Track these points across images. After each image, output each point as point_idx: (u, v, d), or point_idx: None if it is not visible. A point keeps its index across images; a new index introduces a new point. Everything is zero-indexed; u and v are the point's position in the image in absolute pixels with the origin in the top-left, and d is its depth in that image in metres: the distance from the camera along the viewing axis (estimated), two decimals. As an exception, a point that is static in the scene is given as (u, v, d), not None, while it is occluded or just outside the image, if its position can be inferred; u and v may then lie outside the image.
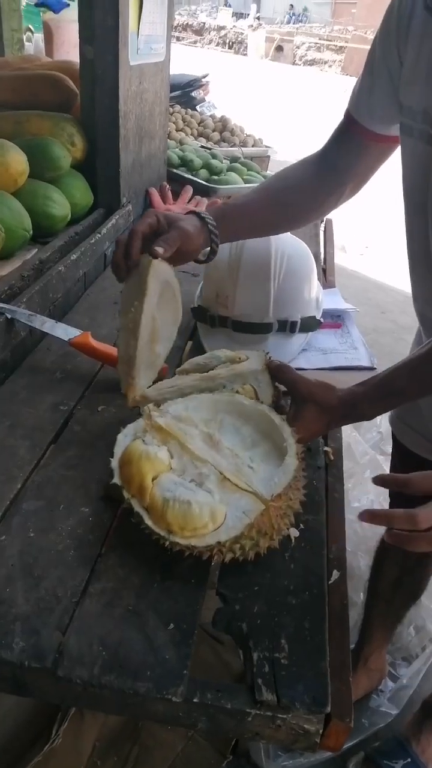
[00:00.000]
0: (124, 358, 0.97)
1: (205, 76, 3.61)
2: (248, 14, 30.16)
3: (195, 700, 0.63)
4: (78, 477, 0.90)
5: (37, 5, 3.21)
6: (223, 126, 2.84)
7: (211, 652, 1.34)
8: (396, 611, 1.54)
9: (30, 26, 4.13)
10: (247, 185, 2.26)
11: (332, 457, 1.00)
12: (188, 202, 2.03)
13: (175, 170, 2.22)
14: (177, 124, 2.74)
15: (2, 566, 0.74)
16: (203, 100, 3.40)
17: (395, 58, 0.91)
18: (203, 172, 2.23)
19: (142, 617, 0.70)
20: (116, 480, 0.78)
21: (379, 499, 1.87)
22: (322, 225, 2.11)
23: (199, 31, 26.43)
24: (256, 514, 0.72)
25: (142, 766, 1.23)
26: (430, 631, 1.73)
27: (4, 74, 1.84)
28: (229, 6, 32.84)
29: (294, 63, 22.65)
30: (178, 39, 23.15)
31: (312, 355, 1.25)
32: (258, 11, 31.97)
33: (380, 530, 1.53)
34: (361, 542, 1.80)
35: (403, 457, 1.29)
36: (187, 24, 26.94)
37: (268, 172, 2.49)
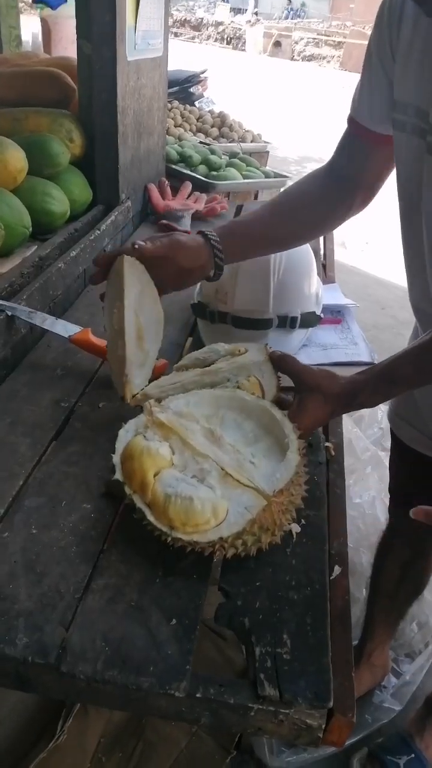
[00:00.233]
0: (115, 360, 0.98)
1: (203, 72, 3.60)
2: (246, 10, 30.09)
3: (198, 696, 0.63)
4: (79, 473, 0.90)
5: (35, 1, 3.20)
6: (221, 121, 2.84)
7: (214, 648, 1.35)
8: (398, 607, 1.54)
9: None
10: (246, 180, 2.26)
11: (333, 453, 1.00)
12: (187, 198, 2.03)
13: (173, 166, 2.21)
14: (175, 119, 2.73)
15: (5, 563, 0.74)
16: (202, 96, 3.39)
17: (388, 54, 0.91)
18: (202, 168, 2.22)
19: (145, 613, 0.70)
20: (118, 476, 0.78)
21: (381, 495, 1.87)
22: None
23: (197, 26, 26.35)
24: (258, 509, 0.72)
25: (147, 762, 1.24)
26: (432, 626, 1.73)
27: (2, 71, 1.83)
28: (227, 1, 32.72)
29: (292, 58, 22.58)
30: (175, 35, 23.10)
31: (312, 351, 1.24)
32: (256, 7, 31.89)
33: (381, 526, 1.54)
34: (364, 538, 1.80)
35: (401, 452, 1.29)
36: (185, 19, 26.86)
37: (267, 167, 2.48)
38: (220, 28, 25.41)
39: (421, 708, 1.54)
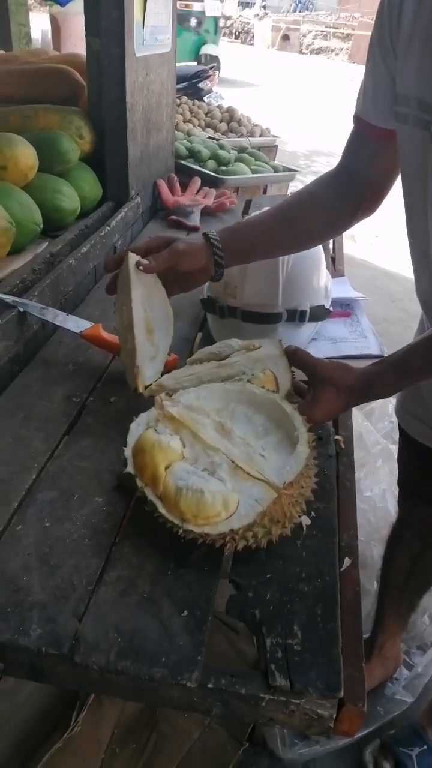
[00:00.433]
0: (127, 355, 1.00)
1: (211, 67, 3.59)
2: (254, 3, 29.90)
3: (209, 686, 0.64)
4: (91, 467, 0.91)
5: (43, -1, 3.21)
6: (230, 116, 2.83)
7: (226, 640, 1.35)
8: (409, 599, 1.54)
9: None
10: (255, 175, 2.26)
11: (343, 446, 1.00)
12: (196, 194, 2.03)
13: (182, 162, 2.21)
14: (184, 115, 2.73)
15: (19, 555, 0.75)
16: (210, 91, 3.39)
17: (389, 48, 0.91)
18: (211, 163, 2.22)
19: (157, 604, 0.71)
20: (129, 469, 0.78)
21: (391, 488, 1.87)
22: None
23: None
24: (269, 502, 0.73)
25: (160, 753, 1.25)
26: (444, 619, 1.73)
27: (12, 69, 1.84)
28: (235, -5, 32.52)
29: (301, 52, 22.44)
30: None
31: (321, 345, 1.24)
32: (264, 0, 31.69)
33: (392, 519, 1.54)
34: (374, 531, 1.80)
35: (409, 446, 1.29)
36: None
37: (276, 161, 2.48)
38: (229, 23, 25.27)
39: (433, 700, 1.54)
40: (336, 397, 0.88)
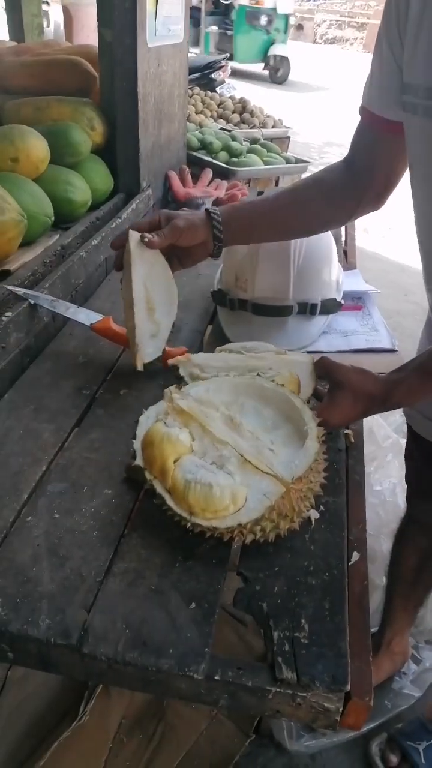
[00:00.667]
0: (128, 331, 1.02)
1: (224, 58, 3.57)
2: (268, -8, 29.59)
3: (216, 678, 0.64)
4: (101, 459, 0.91)
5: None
6: (242, 107, 2.82)
7: (234, 633, 1.36)
8: (417, 594, 1.54)
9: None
10: (267, 167, 2.24)
11: (353, 440, 1.00)
12: (208, 185, 2.02)
13: (194, 153, 2.21)
14: (196, 106, 2.72)
15: (29, 546, 0.76)
16: (222, 82, 3.37)
17: (396, 38, 0.90)
18: (223, 155, 2.21)
19: (165, 596, 0.71)
20: (139, 462, 0.79)
21: (401, 482, 1.86)
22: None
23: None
24: (277, 496, 0.73)
25: (167, 743, 1.26)
26: (453, 614, 1.73)
27: (24, 60, 1.84)
28: (249, -16, 32.21)
29: (315, 41, 22.21)
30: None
31: (332, 338, 1.24)
32: (278, -11, 31.34)
33: (402, 514, 1.54)
34: (384, 525, 1.79)
35: (417, 444, 1.29)
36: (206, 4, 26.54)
37: (288, 153, 2.46)
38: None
39: (440, 695, 1.54)
40: (353, 402, 0.87)
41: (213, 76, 3.43)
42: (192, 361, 0.96)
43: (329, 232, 1.25)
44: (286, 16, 11.40)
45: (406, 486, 1.49)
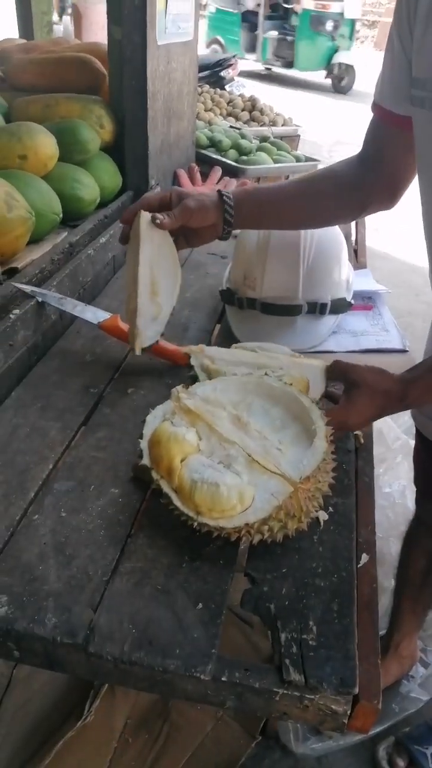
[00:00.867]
0: (129, 313, 1.00)
1: (234, 56, 3.56)
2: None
3: (223, 679, 0.64)
4: (108, 458, 0.90)
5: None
6: (252, 105, 2.81)
7: (241, 634, 1.35)
8: (426, 598, 1.53)
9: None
10: (277, 165, 2.23)
11: (362, 441, 0.99)
12: (217, 183, 2.01)
13: (203, 151, 2.20)
14: (206, 104, 2.71)
15: (35, 545, 0.76)
16: (232, 80, 3.36)
17: (407, 33, 0.89)
18: (232, 153, 2.20)
19: (171, 596, 0.70)
20: (145, 461, 0.78)
21: (411, 485, 1.85)
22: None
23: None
24: (285, 496, 0.72)
25: (172, 744, 1.26)
26: (461, 617, 1.71)
27: (33, 57, 1.84)
28: (259, -17, 32.15)
29: (325, 40, 22.11)
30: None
31: (342, 338, 1.23)
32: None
33: (411, 516, 1.52)
34: (393, 528, 1.78)
35: (425, 446, 1.28)
36: (217, 3, 26.51)
37: (298, 151, 2.45)
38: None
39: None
40: (370, 401, 0.86)
41: (222, 74, 3.43)
42: (204, 352, 0.96)
43: (339, 230, 1.24)
44: (353, 21, 10.69)
45: (414, 488, 1.48)
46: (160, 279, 1.01)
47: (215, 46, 11.45)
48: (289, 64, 10.90)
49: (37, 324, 1.12)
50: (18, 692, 1.21)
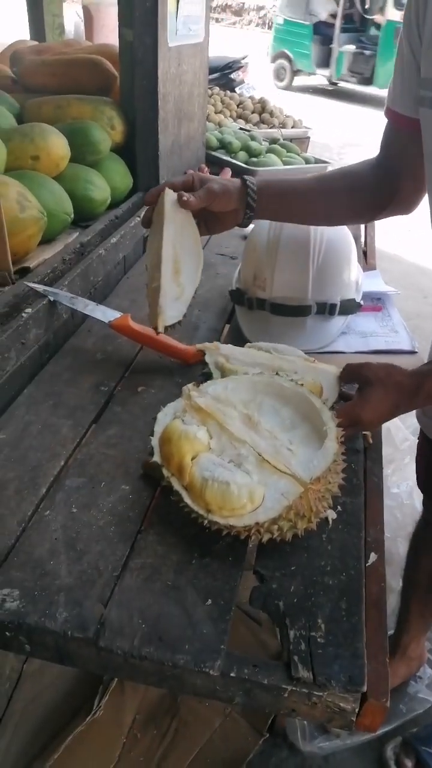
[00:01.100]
0: (150, 292, 1.00)
1: (244, 58, 3.57)
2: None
3: (232, 675, 0.64)
4: (118, 455, 0.91)
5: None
6: (262, 107, 2.81)
7: (249, 632, 1.36)
8: (434, 599, 1.53)
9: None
10: (287, 167, 2.24)
11: (371, 441, 0.99)
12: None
13: (213, 152, 2.21)
14: (216, 106, 2.72)
15: (47, 540, 0.77)
16: (242, 82, 3.37)
17: (415, 35, 0.90)
18: (242, 154, 2.21)
19: (181, 592, 0.71)
20: (156, 458, 0.79)
21: (419, 484, 1.85)
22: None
23: (239, 11, 25.99)
24: (295, 496, 0.72)
25: (181, 740, 1.26)
26: (469, 618, 1.71)
27: (45, 59, 1.85)
28: (269, -15, 32.11)
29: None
30: (217, 20, 22.82)
31: (351, 339, 1.23)
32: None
33: (418, 516, 1.52)
34: (401, 528, 1.78)
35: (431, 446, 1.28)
36: (226, 4, 26.52)
37: (307, 153, 2.45)
38: (262, 13, 25.01)
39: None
40: (384, 395, 0.86)
41: (232, 76, 3.43)
42: (219, 350, 0.96)
43: (349, 232, 1.24)
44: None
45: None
46: (183, 259, 1.00)
47: (282, 61, 10.64)
48: (367, 81, 9.90)
49: (48, 323, 1.13)
50: (28, 687, 1.22)
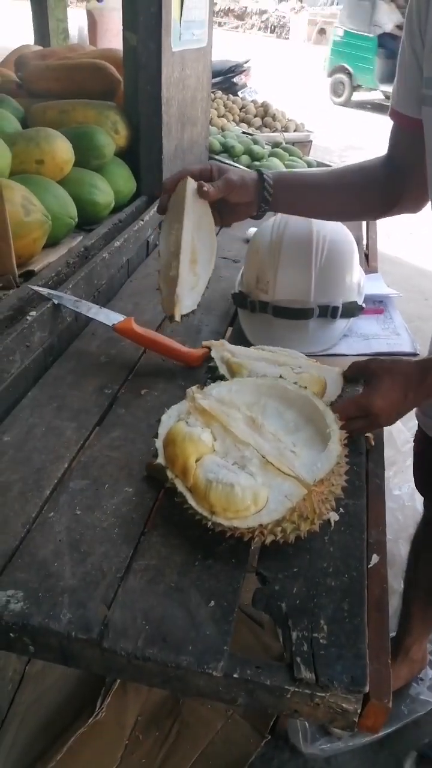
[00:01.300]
0: (166, 282, 1.00)
1: (246, 62, 3.58)
2: (291, -3, 29.59)
3: (235, 676, 0.65)
4: (122, 458, 0.92)
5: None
6: (264, 111, 2.83)
7: (251, 634, 1.36)
8: (436, 601, 1.53)
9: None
10: (289, 170, 2.25)
11: (373, 443, 1.00)
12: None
13: (216, 156, 2.22)
14: (219, 110, 2.74)
15: (51, 542, 0.77)
16: (245, 86, 3.38)
17: (418, 36, 0.92)
18: (245, 158, 2.22)
19: (184, 594, 0.71)
20: (160, 460, 0.79)
21: (421, 487, 1.85)
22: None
23: (241, 15, 26.08)
24: (299, 498, 0.73)
25: (183, 741, 1.26)
26: (471, 621, 1.71)
27: (49, 64, 1.87)
28: (272, -11, 32.20)
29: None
30: (219, 24, 22.89)
31: (353, 341, 1.24)
32: (301, -7, 31.31)
33: (420, 518, 1.52)
34: (402, 530, 1.78)
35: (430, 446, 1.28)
36: (229, 9, 26.60)
37: (309, 157, 2.46)
38: (264, 17, 25.08)
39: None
40: (392, 384, 0.88)
41: (235, 80, 3.45)
42: (225, 346, 0.97)
43: (351, 235, 1.25)
44: None
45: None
46: (200, 249, 1.01)
47: (340, 75, 9.90)
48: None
49: (53, 326, 1.14)
50: (30, 688, 1.23)
